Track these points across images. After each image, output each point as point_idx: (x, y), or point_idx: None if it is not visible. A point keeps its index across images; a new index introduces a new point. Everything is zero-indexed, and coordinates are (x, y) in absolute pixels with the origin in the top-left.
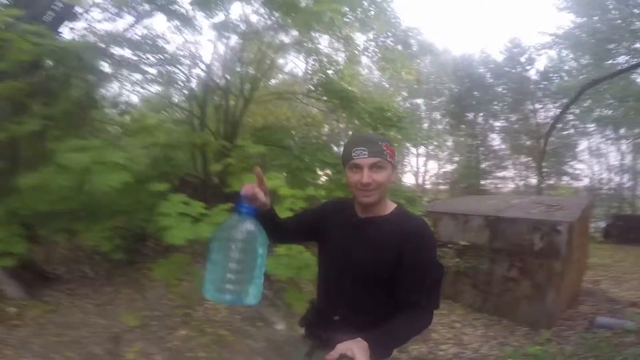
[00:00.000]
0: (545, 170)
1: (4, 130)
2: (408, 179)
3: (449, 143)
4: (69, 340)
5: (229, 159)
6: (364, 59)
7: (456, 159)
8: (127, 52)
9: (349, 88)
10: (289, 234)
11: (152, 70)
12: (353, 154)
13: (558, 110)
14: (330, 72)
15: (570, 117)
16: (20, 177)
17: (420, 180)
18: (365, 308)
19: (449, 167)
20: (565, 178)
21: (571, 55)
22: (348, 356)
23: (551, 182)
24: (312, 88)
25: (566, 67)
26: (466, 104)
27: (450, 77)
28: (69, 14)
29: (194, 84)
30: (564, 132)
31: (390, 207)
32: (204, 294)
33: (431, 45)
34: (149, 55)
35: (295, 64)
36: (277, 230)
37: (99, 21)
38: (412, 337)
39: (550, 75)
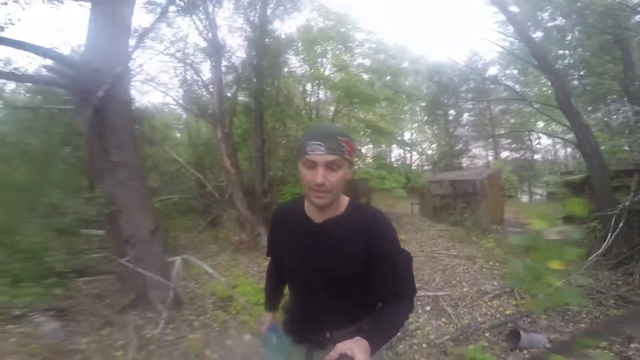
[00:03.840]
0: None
1: None
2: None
3: (429, 133)
4: None
5: None
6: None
7: (434, 145)
8: None
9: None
10: (284, 278)
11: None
12: (308, 149)
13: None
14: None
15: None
16: None
17: (408, 163)
18: (348, 308)
19: (430, 152)
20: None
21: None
22: (348, 356)
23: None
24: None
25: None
26: (439, 102)
27: (426, 80)
28: None
29: None
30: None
31: (343, 202)
32: None
33: (408, 51)
34: None
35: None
36: (282, 288)
37: None
38: (401, 326)
39: (499, 78)
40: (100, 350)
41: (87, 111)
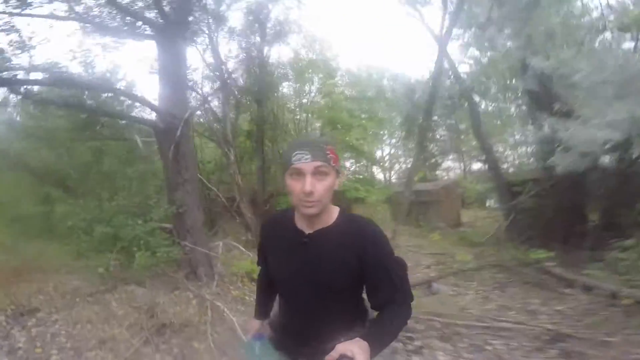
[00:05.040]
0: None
1: None
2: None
3: (406, 148)
4: None
5: None
6: None
7: (410, 159)
8: None
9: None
10: (275, 287)
11: None
12: (294, 159)
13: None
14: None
15: None
16: None
17: (387, 176)
18: (342, 318)
19: (406, 165)
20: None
21: None
22: (348, 356)
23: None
24: None
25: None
26: (414, 119)
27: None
28: None
29: None
30: None
31: (334, 213)
32: None
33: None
34: None
35: None
36: (274, 297)
37: None
38: (400, 331)
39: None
40: (178, 302)
41: (170, 145)
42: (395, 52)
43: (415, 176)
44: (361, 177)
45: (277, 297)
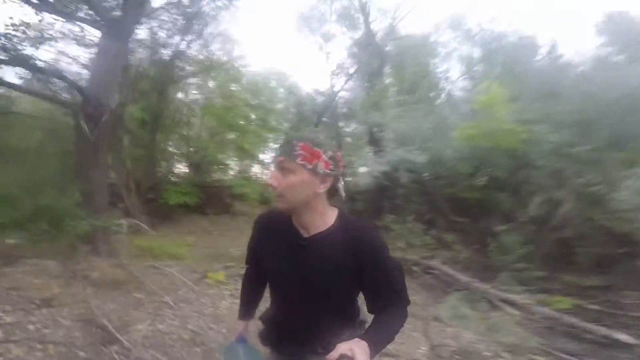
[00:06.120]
0: None
1: None
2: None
3: None
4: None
5: None
6: None
7: None
8: None
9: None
10: (263, 286)
11: None
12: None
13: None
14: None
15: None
16: None
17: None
18: (335, 319)
19: None
20: None
21: None
22: (348, 356)
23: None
24: None
25: None
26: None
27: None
28: None
29: None
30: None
31: (332, 215)
32: None
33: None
34: None
35: None
36: (259, 297)
37: None
38: (397, 333)
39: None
40: (97, 268)
41: (93, 129)
42: (297, 62)
43: None
44: (248, 175)
45: (269, 293)
